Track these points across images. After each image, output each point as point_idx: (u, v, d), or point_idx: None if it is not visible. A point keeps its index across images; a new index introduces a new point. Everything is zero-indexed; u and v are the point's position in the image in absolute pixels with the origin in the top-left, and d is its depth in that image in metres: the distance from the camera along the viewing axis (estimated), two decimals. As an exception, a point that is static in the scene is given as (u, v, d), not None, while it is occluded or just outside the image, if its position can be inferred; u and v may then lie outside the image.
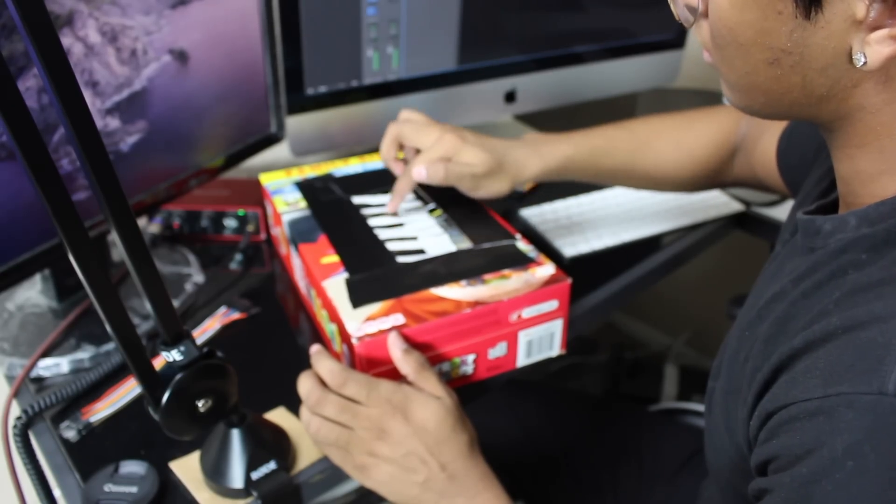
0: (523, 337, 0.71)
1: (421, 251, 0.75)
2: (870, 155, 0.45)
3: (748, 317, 0.54)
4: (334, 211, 0.82)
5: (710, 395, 0.59)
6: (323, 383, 0.60)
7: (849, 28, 0.40)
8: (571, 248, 0.91)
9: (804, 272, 0.48)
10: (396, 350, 0.63)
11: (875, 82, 0.42)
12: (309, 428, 0.59)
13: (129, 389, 0.69)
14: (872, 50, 0.39)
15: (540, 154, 0.78)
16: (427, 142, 0.77)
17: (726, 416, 0.54)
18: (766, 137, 0.76)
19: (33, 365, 0.72)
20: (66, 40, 0.67)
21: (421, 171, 0.75)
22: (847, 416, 0.37)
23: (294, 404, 0.67)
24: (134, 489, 0.58)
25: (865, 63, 0.40)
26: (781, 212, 1.01)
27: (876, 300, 0.40)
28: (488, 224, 0.80)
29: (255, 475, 0.58)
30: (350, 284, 0.69)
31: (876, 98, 0.42)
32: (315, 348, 0.63)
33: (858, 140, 0.45)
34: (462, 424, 0.59)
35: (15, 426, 0.64)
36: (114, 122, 0.74)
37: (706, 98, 1.32)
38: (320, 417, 0.59)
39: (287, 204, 0.83)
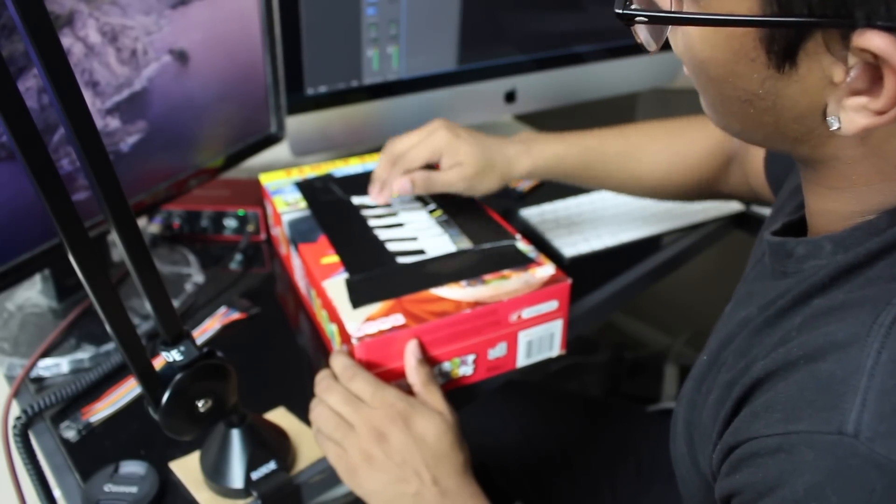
0: (523, 337, 0.70)
1: (421, 251, 0.75)
2: (844, 198, 0.43)
3: (712, 344, 0.53)
4: (334, 211, 0.82)
5: (675, 422, 0.57)
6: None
7: (825, 87, 0.37)
8: (571, 248, 0.91)
9: (772, 298, 0.47)
10: (412, 358, 0.63)
11: (853, 136, 0.39)
12: (312, 412, 0.61)
13: (129, 389, 0.69)
14: (848, 117, 0.37)
15: (530, 152, 0.78)
16: (418, 137, 0.78)
17: (690, 447, 0.52)
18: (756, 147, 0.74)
19: (33, 365, 0.72)
20: (66, 40, 0.67)
21: (405, 185, 0.77)
22: (808, 455, 0.36)
23: (294, 404, 0.67)
24: (134, 489, 0.58)
25: (839, 128, 0.38)
26: (781, 212, 1.01)
27: (836, 323, 0.39)
28: (488, 224, 0.80)
29: (255, 475, 0.58)
30: (350, 285, 0.69)
31: (853, 151, 0.40)
32: (337, 349, 0.64)
33: (831, 183, 0.43)
34: (460, 443, 0.59)
35: (15, 426, 0.64)
36: (114, 123, 0.74)
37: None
38: (325, 404, 0.60)
39: (287, 204, 0.83)
